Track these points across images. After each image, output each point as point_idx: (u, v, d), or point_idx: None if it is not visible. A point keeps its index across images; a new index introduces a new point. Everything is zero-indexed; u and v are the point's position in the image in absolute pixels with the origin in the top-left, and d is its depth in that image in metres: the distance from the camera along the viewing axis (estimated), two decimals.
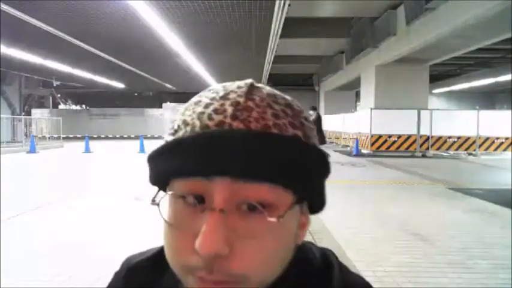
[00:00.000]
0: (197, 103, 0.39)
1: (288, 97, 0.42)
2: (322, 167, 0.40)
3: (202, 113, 0.37)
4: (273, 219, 0.35)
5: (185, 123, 0.38)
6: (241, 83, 0.41)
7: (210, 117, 0.37)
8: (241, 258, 0.35)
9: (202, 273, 0.34)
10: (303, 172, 0.37)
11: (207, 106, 0.38)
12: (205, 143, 0.35)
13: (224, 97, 0.38)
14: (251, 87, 0.40)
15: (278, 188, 0.36)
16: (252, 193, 0.35)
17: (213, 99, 0.39)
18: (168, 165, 0.37)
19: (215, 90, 0.40)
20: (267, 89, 0.41)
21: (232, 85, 0.41)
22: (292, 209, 0.37)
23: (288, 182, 0.36)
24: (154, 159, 0.40)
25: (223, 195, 0.35)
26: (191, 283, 0.36)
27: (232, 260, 0.34)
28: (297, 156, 0.37)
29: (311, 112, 14.28)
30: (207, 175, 0.35)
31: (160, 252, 0.47)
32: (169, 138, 0.39)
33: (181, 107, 0.45)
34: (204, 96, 0.40)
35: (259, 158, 0.35)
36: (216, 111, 0.37)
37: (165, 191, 0.40)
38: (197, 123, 0.37)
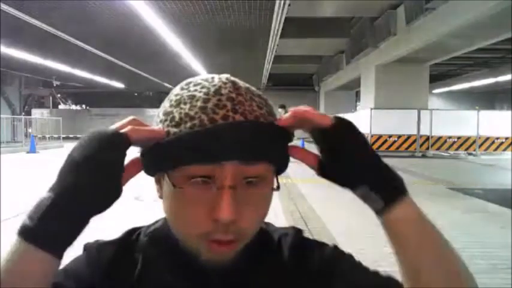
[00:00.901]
0: (192, 97, 0.46)
1: (253, 87, 0.51)
2: (288, 140, 0.50)
3: (205, 107, 0.44)
4: (268, 189, 0.47)
5: (189, 116, 0.44)
6: (222, 77, 0.48)
7: (214, 112, 0.44)
8: (247, 220, 0.45)
9: (219, 236, 0.44)
10: (281, 149, 0.48)
11: (206, 101, 0.45)
12: (221, 132, 0.43)
13: (218, 92, 0.46)
14: (233, 83, 0.48)
15: (267, 164, 0.46)
16: (252, 170, 0.45)
17: (207, 94, 0.46)
18: (184, 153, 0.44)
19: (203, 86, 0.47)
20: (241, 82, 0.49)
21: (214, 79, 0.48)
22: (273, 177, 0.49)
23: (274, 158, 0.47)
24: (166, 147, 0.45)
25: (232, 174, 0.44)
26: (205, 246, 0.45)
27: (240, 221, 0.44)
28: (277, 138, 0.47)
29: (280, 110, 13.74)
30: (222, 160, 0.43)
31: (125, 236, 0.56)
32: (173, 130, 0.45)
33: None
34: (197, 91, 0.46)
35: (260, 144, 0.45)
36: (217, 106, 0.45)
37: (159, 176, 0.49)
38: (204, 117, 0.44)
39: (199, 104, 0.45)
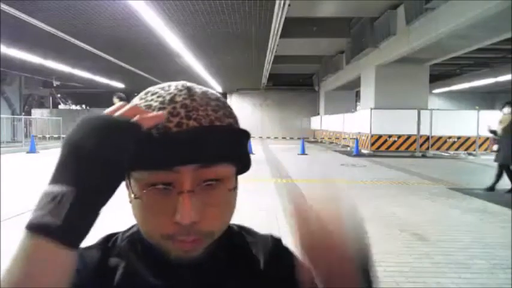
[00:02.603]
0: (149, 107, 0.47)
1: (213, 91, 0.52)
2: (247, 139, 0.51)
3: None
4: (227, 190, 0.48)
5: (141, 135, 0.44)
6: (178, 84, 0.50)
7: (168, 120, 0.45)
8: (208, 220, 0.47)
9: (183, 237, 0.46)
10: (240, 148, 0.50)
11: (161, 110, 0.46)
12: (175, 140, 0.44)
13: (172, 101, 0.47)
14: (188, 89, 0.49)
15: (226, 165, 0.48)
16: (210, 173, 0.46)
17: (162, 103, 0.47)
18: (138, 159, 0.44)
19: (159, 95, 0.48)
20: (198, 87, 0.51)
21: (170, 88, 0.49)
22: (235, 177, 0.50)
23: (233, 159, 0.49)
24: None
25: (190, 179, 0.45)
26: (171, 245, 0.47)
27: (202, 223, 0.46)
28: (235, 139, 0.49)
29: (115, 100, 12.84)
30: (177, 165, 0.44)
31: (102, 242, 0.56)
32: None
33: None
34: (153, 101, 0.48)
35: (215, 147, 0.46)
36: (171, 114, 0.46)
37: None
38: (159, 126, 0.45)
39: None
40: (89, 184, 0.40)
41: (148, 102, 0.48)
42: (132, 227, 0.57)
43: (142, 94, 0.51)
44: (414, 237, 4.21)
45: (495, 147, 7.21)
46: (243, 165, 0.52)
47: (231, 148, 0.48)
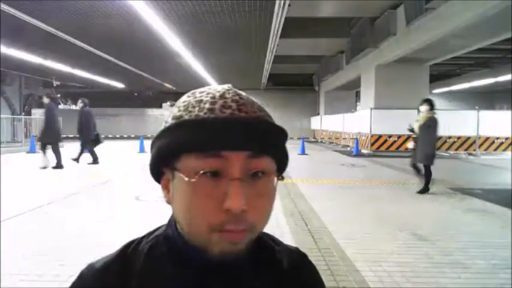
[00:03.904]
0: (199, 102, 0.49)
1: None
2: (286, 140, 0.53)
3: (213, 109, 0.47)
4: (272, 184, 0.49)
5: (198, 117, 0.47)
6: (224, 86, 0.52)
7: (221, 111, 0.47)
8: (255, 211, 0.47)
9: (231, 226, 0.46)
10: (282, 147, 0.51)
11: (213, 103, 0.48)
12: (228, 124, 0.46)
13: (222, 96, 0.49)
14: (235, 90, 0.51)
15: (271, 159, 0.49)
16: (257, 164, 0.48)
17: (213, 97, 0.49)
18: (191, 141, 0.46)
19: (208, 92, 0.51)
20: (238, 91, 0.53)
21: (218, 88, 0.51)
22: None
23: (277, 154, 0.50)
24: (165, 135, 0.49)
25: (239, 167, 0.46)
26: (216, 239, 0.47)
27: (248, 213, 0.46)
28: (279, 136, 0.50)
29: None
30: (228, 149, 0.46)
31: (122, 252, 0.55)
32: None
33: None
34: (203, 96, 0.50)
35: (265, 138, 0.48)
36: (224, 106, 0.48)
37: (162, 169, 0.51)
38: (211, 116, 0.47)
39: (207, 106, 0.48)
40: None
41: (198, 98, 0.50)
42: (156, 229, 0.57)
43: (189, 93, 0.53)
44: (414, 237, 4.21)
45: (410, 144, 7.14)
46: (282, 162, 0.53)
47: (277, 144, 0.50)
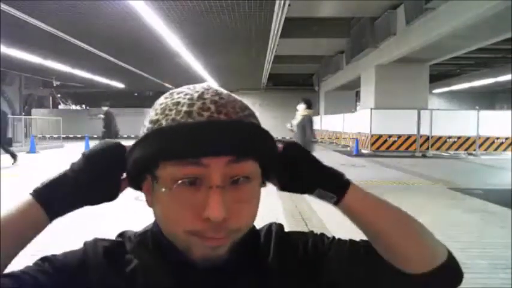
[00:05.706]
0: (177, 104, 0.47)
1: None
2: (272, 141, 0.51)
3: (190, 111, 0.45)
4: (254, 187, 0.48)
5: (174, 121, 0.45)
6: (203, 84, 0.51)
7: (200, 114, 0.45)
8: (237, 218, 0.46)
9: (211, 234, 0.45)
10: (264, 147, 0.49)
11: (190, 106, 0.46)
12: (206, 129, 0.44)
13: (201, 97, 0.47)
14: (215, 88, 0.49)
15: (254, 163, 0.47)
16: (238, 169, 0.46)
17: (191, 99, 0.47)
18: (168, 149, 0.45)
19: (186, 93, 0.48)
20: (220, 88, 0.51)
21: (195, 87, 0.50)
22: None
23: (260, 158, 0.48)
24: (142, 145, 0.48)
25: (219, 174, 0.45)
26: (197, 241, 0.46)
27: (230, 220, 0.45)
28: (263, 137, 0.48)
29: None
30: (207, 156, 0.44)
31: (118, 237, 0.59)
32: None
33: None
34: (181, 98, 0.48)
35: (245, 141, 0.45)
36: (202, 109, 0.45)
37: (142, 177, 0.50)
38: (190, 120, 0.45)
39: (184, 108, 0.46)
40: (84, 180, 0.49)
41: (176, 100, 0.48)
42: (146, 228, 0.58)
43: (166, 94, 0.51)
44: None
45: None
46: (268, 163, 0.51)
47: (259, 145, 0.48)
